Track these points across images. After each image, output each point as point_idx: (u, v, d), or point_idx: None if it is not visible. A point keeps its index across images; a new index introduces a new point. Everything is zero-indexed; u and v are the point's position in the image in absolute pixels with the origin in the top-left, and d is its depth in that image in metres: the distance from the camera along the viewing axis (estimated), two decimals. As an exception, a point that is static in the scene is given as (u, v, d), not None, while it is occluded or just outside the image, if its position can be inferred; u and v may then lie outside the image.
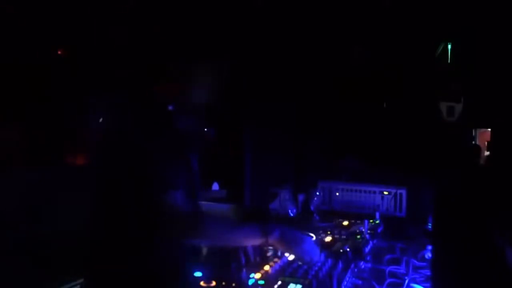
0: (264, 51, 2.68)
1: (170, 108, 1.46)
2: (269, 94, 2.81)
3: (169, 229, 1.36)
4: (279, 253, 1.78)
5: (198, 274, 1.58)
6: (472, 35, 2.89)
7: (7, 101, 3.32)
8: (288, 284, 1.52)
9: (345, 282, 1.63)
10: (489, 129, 3.30)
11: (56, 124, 3.61)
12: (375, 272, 1.87)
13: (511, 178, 1.32)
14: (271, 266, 1.67)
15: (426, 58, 3.14)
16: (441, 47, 3.10)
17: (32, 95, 3.44)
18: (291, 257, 1.74)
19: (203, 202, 1.60)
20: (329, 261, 1.71)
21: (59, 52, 3.64)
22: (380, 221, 2.49)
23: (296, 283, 1.52)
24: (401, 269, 1.92)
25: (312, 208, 2.74)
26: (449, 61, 3.08)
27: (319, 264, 1.65)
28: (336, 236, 2.18)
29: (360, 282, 1.74)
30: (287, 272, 1.62)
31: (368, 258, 1.94)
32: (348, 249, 1.87)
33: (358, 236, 2.14)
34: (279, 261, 1.72)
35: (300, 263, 1.66)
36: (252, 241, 1.56)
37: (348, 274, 1.69)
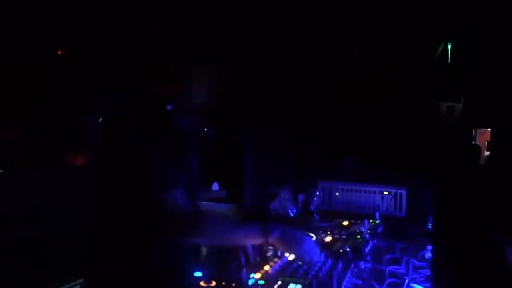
0: (264, 51, 2.68)
1: (169, 107, 1.46)
2: (269, 94, 2.81)
3: (169, 229, 1.36)
4: (279, 253, 1.78)
5: (198, 274, 1.58)
6: (472, 35, 2.88)
7: (7, 101, 3.32)
8: (288, 284, 1.52)
9: (345, 282, 1.63)
10: (489, 129, 3.30)
11: (56, 124, 3.61)
12: (375, 272, 1.87)
13: (511, 178, 1.32)
14: (271, 266, 1.67)
15: (426, 58, 3.14)
16: (441, 47, 3.10)
17: (32, 95, 3.44)
18: (291, 257, 1.74)
19: (203, 202, 1.60)
20: (329, 261, 1.71)
21: (59, 52, 3.64)
22: (380, 221, 2.49)
23: (296, 283, 1.52)
24: (401, 269, 1.92)
25: (312, 208, 2.74)
26: (449, 61, 3.08)
27: (319, 264, 1.65)
28: (336, 236, 2.18)
29: (360, 282, 1.74)
30: (287, 272, 1.62)
31: (368, 258, 1.94)
32: (348, 249, 1.87)
33: (358, 236, 2.14)
34: (279, 261, 1.72)
35: (300, 263, 1.66)
36: (252, 241, 1.56)
37: (348, 274, 1.69)
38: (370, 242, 2.08)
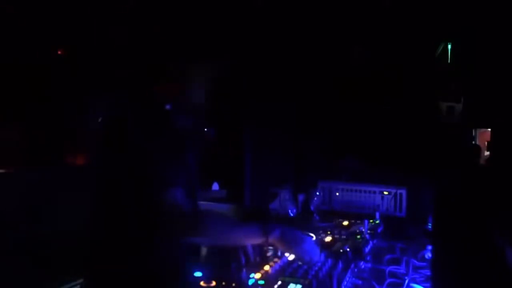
0: (264, 51, 2.68)
1: (168, 107, 1.46)
2: (269, 94, 2.81)
3: (169, 229, 1.36)
4: (279, 253, 1.78)
5: (198, 274, 1.58)
6: (472, 35, 2.88)
7: (7, 101, 3.32)
8: (288, 284, 1.52)
9: (345, 282, 1.63)
10: (489, 129, 3.30)
11: (56, 124, 3.61)
12: (375, 272, 1.87)
13: (511, 178, 1.32)
14: (271, 266, 1.67)
15: (426, 58, 3.14)
16: (441, 47, 3.10)
17: (32, 95, 3.44)
18: (291, 257, 1.74)
19: (203, 202, 1.60)
20: (329, 261, 1.71)
21: (59, 52, 3.64)
22: (380, 221, 2.49)
23: (296, 283, 1.52)
24: (401, 269, 1.92)
25: (312, 208, 2.74)
26: (449, 61, 3.07)
27: (319, 264, 1.65)
28: (336, 236, 2.18)
29: (360, 282, 1.74)
30: (287, 272, 1.62)
31: (368, 258, 1.94)
32: (348, 249, 1.87)
33: (358, 236, 2.14)
34: (279, 261, 1.72)
35: (300, 263, 1.66)
36: (252, 240, 1.56)
37: (348, 274, 1.69)
38: (370, 242, 2.08)
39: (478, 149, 3.37)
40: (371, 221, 2.42)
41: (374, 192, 2.83)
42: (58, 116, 3.58)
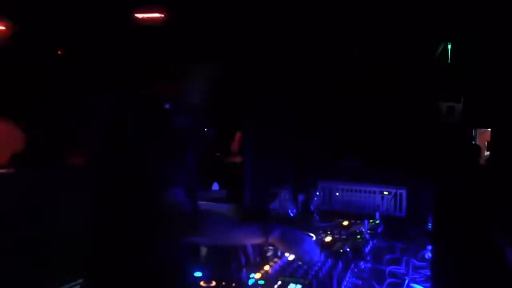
0: (264, 51, 2.68)
1: (167, 107, 1.46)
2: (269, 94, 2.81)
3: (169, 229, 1.36)
4: (279, 253, 1.78)
5: (198, 274, 1.58)
6: (472, 35, 2.88)
7: (7, 101, 3.32)
8: (288, 284, 1.52)
9: (345, 282, 1.63)
10: (489, 129, 3.30)
11: (56, 124, 3.61)
12: (375, 272, 1.87)
13: (511, 178, 1.32)
14: (271, 266, 1.67)
15: (426, 58, 3.14)
16: (441, 47, 3.10)
17: (32, 95, 3.44)
18: (291, 257, 1.74)
19: (203, 202, 1.60)
20: (329, 261, 1.71)
21: (59, 52, 3.64)
22: (380, 221, 2.49)
23: (296, 283, 1.52)
24: (401, 269, 1.92)
25: (312, 208, 2.74)
26: (449, 61, 3.08)
27: (319, 264, 1.65)
28: (336, 236, 2.18)
29: (360, 282, 1.74)
30: (287, 272, 1.62)
31: (368, 258, 1.94)
32: (348, 249, 1.87)
33: (358, 236, 2.14)
34: (279, 261, 1.72)
35: (300, 263, 1.66)
36: (252, 240, 1.56)
37: (348, 274, 1.69)
38: (370, 242, 2.08)
39: (478, 149, 3.38)
40: (371, 221, 2.42)
41: (374, 192, 2.83)
42: (58, 116, 3.58)
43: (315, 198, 2.79)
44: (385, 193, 2.81)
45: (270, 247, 1.78)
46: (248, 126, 2.80)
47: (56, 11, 3.11)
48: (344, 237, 2.16)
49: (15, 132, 3.10)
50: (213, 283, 1.52)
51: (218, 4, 1.59)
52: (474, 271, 1.23)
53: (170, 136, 1.40)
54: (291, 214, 2.64)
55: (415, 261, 1.99)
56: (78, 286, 1.99)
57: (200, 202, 1.54)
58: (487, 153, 3.36)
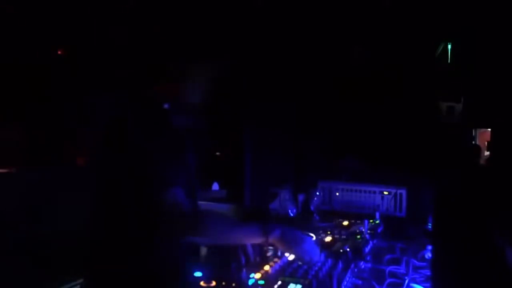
0: (264, 51, 2.68)
1: (167, 107, 1.46)
2: (269, 94, 2.81)
3: (169, 229, 1.36)
4: (279, 253, 1.78)
5: (198, 274, 1.58)
6: (472, 35, 2.88)
7: (7, 101, 3.32)
8: (288, 284, 1.52)
9: (345, 282, 1.63)
10: (489, 129, 3.30)
11: (56, 124, 3.61)
12: (375, 272, 1.87)
13: (511, 178, 1.32)
14: (271, 266, 1.67)
15: (426, 58, 3.14)
16: (441, 47, 3.10)
17: (32, 95, 3.44)
18: (291, 257, 1.74)
19: (203, 202, 1.60)
20: (329, 261, 1.71)
21: (59, 52, 3.64)
22: (380, 221, 2.49)
23: (296, 283, 1.52)
24: (401, 269, 1.92)
25: (312, 208, 2.74)
26: (449, 61, 3.07)
27: (319, 264, 1.65)
28: (336, 236, 2.18)
29: (360, 282, 1.74)
30: (287, 272, 1.62)
31: (368, 258, 1.94)
32: (348, 249, 1.87)
33: (358, 236, 2.14)
34: (279, 261, 1.72)
35: (300, 263, 1.66)
36: (252, 240, 1.56)
37: (348, 274, 1.69)
38: (370, 242, 2.08)
39: (478, 149, 3.37)
40: (371, 221, 2.42)
41: (374, 192, 2.83)
42: (58, 116, 3.58)
43: (315, 198, 2.79)
44: (385, 193, 2.81)
45: (270, 247, 1.78)
46: (248, 126, 2.80)
47: (56, 11, 3.11)
48: (344, 237, 2.16)
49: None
50: (213, 283, 1.52)
51: (218, 4, 1.59)
52: (474, 271, 1.23)
53: (170, 136, 1.40)
54: (291, 214, 2.64)
55: (415, 261, 1.99)
56: (78, 286, 1.99)
57: (200, 202, 1.54)
58: (487, 153, 3.36)
